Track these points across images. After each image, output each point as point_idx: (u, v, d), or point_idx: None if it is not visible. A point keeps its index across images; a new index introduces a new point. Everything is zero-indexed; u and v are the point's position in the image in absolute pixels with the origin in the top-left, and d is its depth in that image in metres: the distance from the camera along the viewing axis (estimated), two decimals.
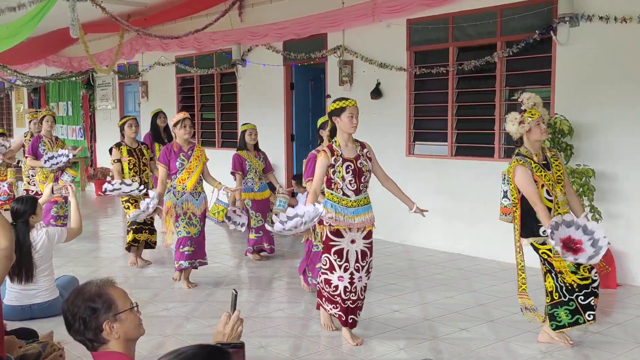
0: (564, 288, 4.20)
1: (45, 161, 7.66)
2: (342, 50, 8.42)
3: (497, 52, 6.82)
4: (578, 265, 4.10)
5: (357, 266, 4.40)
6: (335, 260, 4.36)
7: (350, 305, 4.43)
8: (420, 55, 7.75)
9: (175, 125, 5.93)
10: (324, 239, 4.39)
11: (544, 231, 4.10)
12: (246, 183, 6.99)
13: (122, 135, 6.91)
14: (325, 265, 4.44)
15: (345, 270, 4.37)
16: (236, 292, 2.34)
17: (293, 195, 9.34)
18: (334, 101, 4.40)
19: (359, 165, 4.37)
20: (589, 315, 4.20)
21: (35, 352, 3.42)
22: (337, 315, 4.49)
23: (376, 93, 8.03)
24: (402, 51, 7.75)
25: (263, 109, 9.59)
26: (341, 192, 4.34)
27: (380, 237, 7.35)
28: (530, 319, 4.38)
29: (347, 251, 4.37)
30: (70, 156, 7.72)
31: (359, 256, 4.41)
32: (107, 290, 2.27)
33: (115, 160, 6.69)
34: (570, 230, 4.00)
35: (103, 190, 6.61)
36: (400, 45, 7.77)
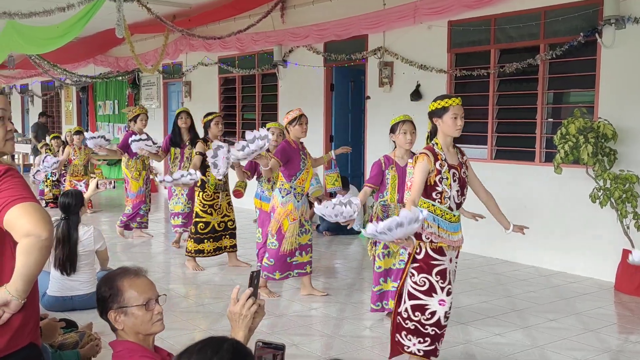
0: None
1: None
2: (383, 52, 8.41)
3: (540, 54, 6.70)
4: None
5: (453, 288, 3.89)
6: (437, 282, 3.73)
7: (444, 333, 3.85)
8: (461, 57, 7.68)
9: (291, 122, 5.57)
10: (420, 256, 3.76)
11: None
12: None
13: (206, 131, 6.74)
14: (422, 286, 3.75)
15: (449, 293, 3.76)
16: (256, 272, 2.12)
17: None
18: (435, 100, 3.82)
19: (462, 174, 3.79)
20: None
21: (73, 341, 3.53)
22: (422, 352, 3.77)
23: (416, 95, 7.98)
24: (443, 53, 7.70)
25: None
26: (447, 204, 3.71)
27: None
28: None
29: (449, 271, 3.79)
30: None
31: (454, 277, 3.90)
32: (121, 281, 2.30)
33: (198, 153, 6.51)
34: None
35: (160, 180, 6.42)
36: (441, 47, 7.72)
